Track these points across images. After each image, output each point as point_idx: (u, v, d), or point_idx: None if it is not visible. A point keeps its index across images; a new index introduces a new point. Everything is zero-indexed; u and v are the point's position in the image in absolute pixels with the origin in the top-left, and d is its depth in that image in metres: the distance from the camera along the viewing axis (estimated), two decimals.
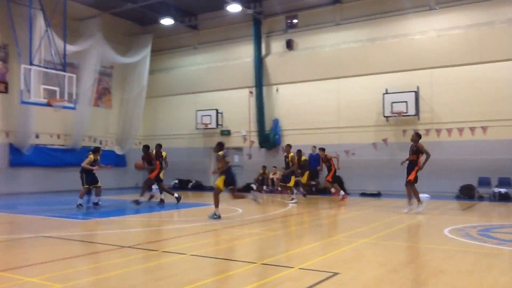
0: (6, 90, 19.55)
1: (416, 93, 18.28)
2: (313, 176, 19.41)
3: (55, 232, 8.93)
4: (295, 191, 15.85)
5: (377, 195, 18.28)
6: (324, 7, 20.75)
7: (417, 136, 12.47)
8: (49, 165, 20.52)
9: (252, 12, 21.32)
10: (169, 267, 6.26)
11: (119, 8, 21.47)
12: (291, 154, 15.80)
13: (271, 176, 21.02)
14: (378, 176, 18.88)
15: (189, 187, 22.93)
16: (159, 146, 15.29)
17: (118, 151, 23.67)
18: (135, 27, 25.06)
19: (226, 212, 12.47)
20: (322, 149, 17.13)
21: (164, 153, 15.10)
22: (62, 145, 21.55)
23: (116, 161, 22.87)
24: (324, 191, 19.49)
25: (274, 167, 21.03)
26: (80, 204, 13.27)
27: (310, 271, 5.73)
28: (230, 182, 10.84)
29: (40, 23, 17.54)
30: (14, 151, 19.72)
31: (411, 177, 12.21)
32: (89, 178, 13.72)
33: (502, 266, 6.14)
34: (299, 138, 20.78)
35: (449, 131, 17.84)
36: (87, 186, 13.72)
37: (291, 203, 15.00)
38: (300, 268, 5.84)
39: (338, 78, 20.27)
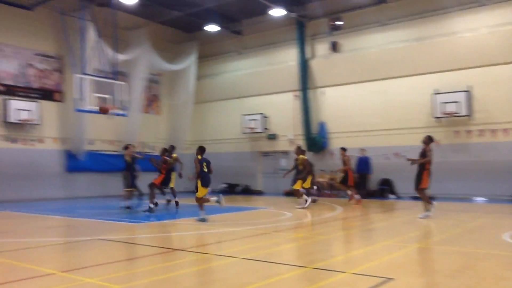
0: (61, 99, 20.47)
1: (468, 93, 17.63)
2: (364, 180, 19.01)
3: (110, 235, 9.24)
4: (305, 197, 15.03)
5: (430, 198, 17.69)
6: (369, 8, 20.42)
7: (429, 139, 12.18)
8: (102, 170, 21.25)
9: (296, 16, 21.32)
10: (221, 270, 6.34)
11: (166, 17, 22.04)
12: (301, 156, 15.41)
13: (318, 179, 20.85)
14: (431, 178, 18.29)
15: (237, 191, 23.13)
16: (164, 150, 15.40)
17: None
18: (181, 34, 25.61)
19: (275, 216, 12.50)
20: (343, 149, 16.80)
21: (174, 155, 15.21)
22: (115, 151, 22.27)
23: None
24: (373, 195, 19.16)
25: (322, 170, 20.87)
26: (150, 207, 13.58)
27: (363, 276, 5.65)
28: (205, 184, 11.31)
29: (91, 34, 18.30)
30: (70, 157, 20.60)
31: (424, 185, 11.83)
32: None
33: None
34: (346, 141, 20.50)
35: (506, 131, 17.09)
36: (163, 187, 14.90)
37: (298, 207, 14.57)
38: (353, 273, 5.77)
39: (385, 79, 19.87)
